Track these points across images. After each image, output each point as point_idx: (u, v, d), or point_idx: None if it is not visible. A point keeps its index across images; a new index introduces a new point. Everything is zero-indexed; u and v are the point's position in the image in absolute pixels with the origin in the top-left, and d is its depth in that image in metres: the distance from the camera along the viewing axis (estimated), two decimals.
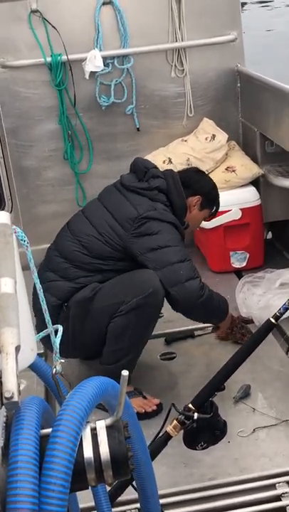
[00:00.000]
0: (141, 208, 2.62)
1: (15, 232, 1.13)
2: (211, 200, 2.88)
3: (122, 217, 2.62)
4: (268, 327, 2.00)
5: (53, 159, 3.99)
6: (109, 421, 0.95)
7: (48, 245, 2.82)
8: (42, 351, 2.90)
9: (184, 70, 3.95)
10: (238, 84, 4.02)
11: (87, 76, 3.78)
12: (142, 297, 2.46)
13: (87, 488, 0.95)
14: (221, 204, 2.99)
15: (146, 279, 2.50)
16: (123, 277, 2.57)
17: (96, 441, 0.92)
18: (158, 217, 2.60)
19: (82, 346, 2.65)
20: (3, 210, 3.80)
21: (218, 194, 2.94)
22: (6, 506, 0.78)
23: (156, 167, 2.82)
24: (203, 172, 3.03)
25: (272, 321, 1.98)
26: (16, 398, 0.82)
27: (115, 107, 3.93)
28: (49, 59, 3.74)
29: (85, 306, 2.55)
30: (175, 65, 3.94)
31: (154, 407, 2.64)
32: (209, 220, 3.06)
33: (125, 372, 0.91)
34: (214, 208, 2.93)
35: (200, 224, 2.99)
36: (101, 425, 0.94)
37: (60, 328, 1.39)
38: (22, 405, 0.89)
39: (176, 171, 2.98)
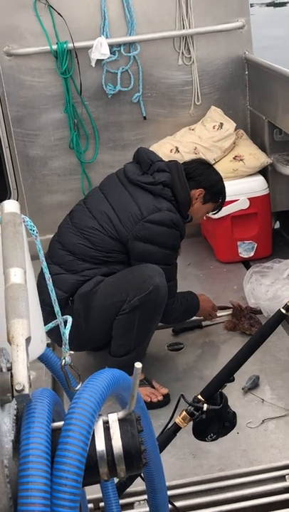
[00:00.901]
0: (145, 209, 2.59)
1: (23, 222, 1.11)
2: (214, 194, 2.82)
3: (124, 215, 2.60)
4: (278, 318, 1.97)
5: (59, 148, 3.96)
6: (121, 414, 0.93)
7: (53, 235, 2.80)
8: (49, 341, 2.89)
9: (191, 57, 3.90)
10: (246, 72, 3.98)
11: (93, 64, 3.75)
12: (144, 295, 2.46)
13: (99, 482, 0.93)
14: (228, 193, 2.94)
15: (147, 276, 2.49)
16: (125, 273, 2.56)
17: (108, 434, 0.90)
18: (161, 220, 2.58)
19: (88, 341, 2.64)
20: (8, 199, 3.76)
21: (223, 188, 2.87)
22: (17, 501, 0.76)
23: (161, 160, 2.77)
24: (209, 164, 2.97)
25: (283, 311, 1.94)
26: (26, 391, 0.80)
27: (122, 95, 3.89)
28: (55, 47, 3.70)
29: (87, 300, 2.53)
30: (182, 53, 3.90)
31: (160, 398, 2.63)
32: (215, 214, 3.00)
33: (138, 365, 0.89)
34: (219, 201, 2.87)
35: (203, 217, 2.94)
36: (113, 418, 0.92)
37: (70, 318, 1.37)
38: (33, 398, 0.87)
39: (183, 160, 2.94)
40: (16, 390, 0.80)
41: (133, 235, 2.57)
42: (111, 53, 3.73)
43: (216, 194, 2.84)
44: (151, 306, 2.49)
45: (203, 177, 2.78)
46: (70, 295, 2.57)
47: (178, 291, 2.79)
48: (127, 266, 2.62)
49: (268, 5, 11.90)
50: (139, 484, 1.86)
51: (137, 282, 2.48)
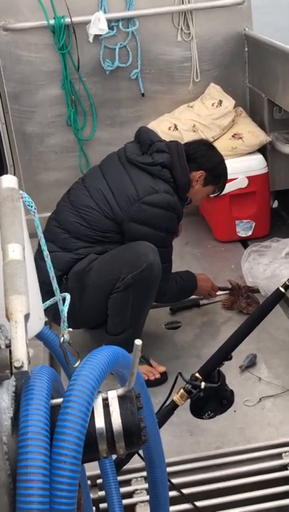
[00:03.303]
0: (141, 190, 2.56)
1: (21, 198, 1.09)
2: (215, 177, 2.77)
3: (120, 196, 2.57)
4: (277, 296, 1.97)
5: (56, 125, 3.92)
6: (121, 391, 0.92)
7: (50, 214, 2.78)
8: (46, 320, 2.89)
9: (190, 33, 3.85)
10: (246, 49, 3.93)
11: (91, 39, 3.69)
12: (137, 273, 2.44)
13: (99, 459, 0.93)
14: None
15: (140, 253, 2.47)
16: (118, 251, 2.54)
17: (108, 411, 0.89)
18: (157, 202, 2.54)
19: (83, 319, 2.63)
20: None
21: (224, 170, 2.82)
22: (16, 478, 0.75)
23: (161, 140, 2.73)
24: (212, 145, 2.91)
25: (282, 290, 1.94)
26: (25, 368, 0.79)
27: (120, 71, 3.84)
28: (52, 21, 3.65)
29: (82, 278, 2.52)
30: (181, 29, 3.84)
31: (158, 376, 2.64)
32: (216, 196, 2.93)
33: (138, 342, 0.88)
34: (220, 184, 2.82)
35: (203, 199, 2.90)
36: (113, 395, 0.91)
37: (68, 296, 1.36)
38: (32, 375, 0.86)
39: (186, 141, 2.90)
40: (15, 367, 0.79)
41: (128, 217, 2.55)
42: (109, 29, 3.68)
43: (218, 176, 2.79)
44: (145, 283, 2.48)
45: (204, 159, 2.73)
46: (64, 273, 2.56)
47: (176, 270, 2.77)
48: None
49: None
50: (136, 461, 1.87)
51: (131, 260, 2.47)
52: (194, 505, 2.04)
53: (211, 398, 1.96)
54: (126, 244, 2.57)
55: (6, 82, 3.77)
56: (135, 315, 2.54)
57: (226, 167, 2.84)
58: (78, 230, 2.59)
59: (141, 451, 1.33)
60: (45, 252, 1.24)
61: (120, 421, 0.89)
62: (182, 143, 2.82)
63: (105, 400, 0.91)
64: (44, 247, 1.25)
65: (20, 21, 3.69)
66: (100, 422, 0.88)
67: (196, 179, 2.71)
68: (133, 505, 2.06)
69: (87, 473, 1.97)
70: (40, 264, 1.27)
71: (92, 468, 1.64)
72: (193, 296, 3.04)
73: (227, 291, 3.19)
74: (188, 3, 3.78)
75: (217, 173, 2.78)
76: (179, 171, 2.62)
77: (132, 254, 2.49)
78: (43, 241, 1.24)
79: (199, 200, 2.89)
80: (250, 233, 3.75)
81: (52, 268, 1.25)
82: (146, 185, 2.58)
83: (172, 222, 2.62)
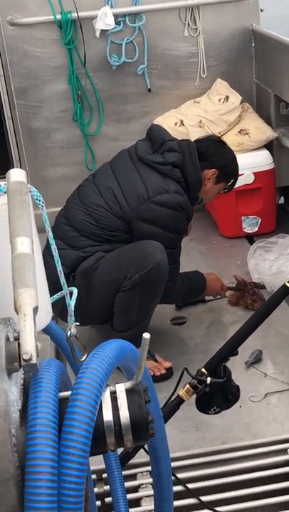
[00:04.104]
0: (151, 189, 2.55)
1: (30, 191, 1.09)
2: (227, 174, 2.75)
3: (130, 194, 2.57)
4: (283, 292, 1.97)
5: (62, 120, 3.92)
6: (129, 384, 0.92)
7: (57, 209, 2.77)
8: (52, 315, 2.89)
9: (197, 28, 3.84)
10: (253, 44, 3.92)
11: (97, 34, 3.69)
12: (144, 272, 2.44)
13: (106, 452, 0.93)
14: None
15: (148, 252, 2.47)
16: (125, 249, 2.54)
17: (116, 404, 0.89)
18: (167, 202, 2.53)
19: (89, 317, 2.63)
20: None
21: (236, 167, 2.80)
22: (25, 470, 0.76)
23: (173, 139, 2.71)
24: (223, 142, 2.89)
25: (288, 286, 1.94)
26: (34, 360, 0.79)
27: (126, 66, 3.84)
28: (59, 16, 3.64)
29: (88, 276, 2.52)
30: (188, 24, 3.83)
31: (163, 371, 2.64)
32: (226, 193, 2.92)
33: (147, 335, 0.88)
34: (231, 181, 2.81)
35: (214, 197, 2.88)
36: (121, 388, 0.91)
37: (75, 290, 1.36)
38: (40, 367, 0.86)
39: (192, 136, 2.88)
40: (24, 360, 0.79)
41: (137, 216, 2.54)
42: (116, 24, 3.67)
43: (229, 174, 2.77)
44: (152, 283, 2.47)
45: (216, 157, 2.71)
46: (72, 271, 2.56)
47: (182, 266, 2.77)
48: None
49: None
50: (141, 456, 1.88)
51: (138, 259, 2.46)
52: (200, 499, 2.05)
53: (217, 393, 1.97)
54: (133, 242, 2.57)
55: (13, 77, 3.77)
56: (141, 314, 2.54)
57: (237, 164, 2.82)
58: (87, 228, 2.59)
59: (146, 446, 1.34)
60: (53, 246, 1.24)
61: (128, 414, 0.89)
62: (191, 139, 2.81)
63: (113, 394, 0.91)
64: (52, 241, 1.25)
65: (27, 16, 3.68)
66: (108, 415, 0.88)
67: (208, 177, 2.70)
68: (138, 500, 2.07)
69: (93, 468, 1.99)
70: (48, 261, 1.28)
71: (97, 463, 1.65)
72: None
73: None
74: None
75: (229, 171, 2.76)
76: (191, 170, 2.61)
77: (139, 253, 2.48)
78: (50, 235, 1.24)
79: (210, 198, 2.88)
80: (256, 229, 3.75)
81: (59, 262, 1.25)
82: (156, 184, 2.57)
83: (181, 222, 2.61)
